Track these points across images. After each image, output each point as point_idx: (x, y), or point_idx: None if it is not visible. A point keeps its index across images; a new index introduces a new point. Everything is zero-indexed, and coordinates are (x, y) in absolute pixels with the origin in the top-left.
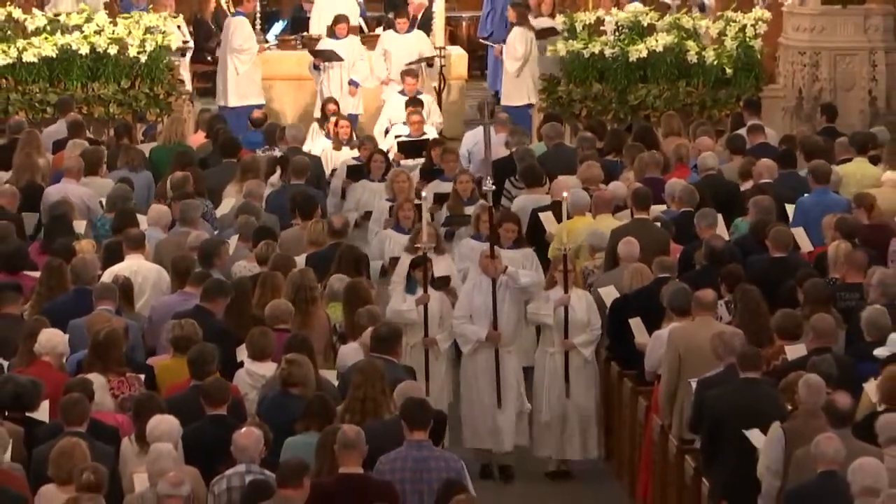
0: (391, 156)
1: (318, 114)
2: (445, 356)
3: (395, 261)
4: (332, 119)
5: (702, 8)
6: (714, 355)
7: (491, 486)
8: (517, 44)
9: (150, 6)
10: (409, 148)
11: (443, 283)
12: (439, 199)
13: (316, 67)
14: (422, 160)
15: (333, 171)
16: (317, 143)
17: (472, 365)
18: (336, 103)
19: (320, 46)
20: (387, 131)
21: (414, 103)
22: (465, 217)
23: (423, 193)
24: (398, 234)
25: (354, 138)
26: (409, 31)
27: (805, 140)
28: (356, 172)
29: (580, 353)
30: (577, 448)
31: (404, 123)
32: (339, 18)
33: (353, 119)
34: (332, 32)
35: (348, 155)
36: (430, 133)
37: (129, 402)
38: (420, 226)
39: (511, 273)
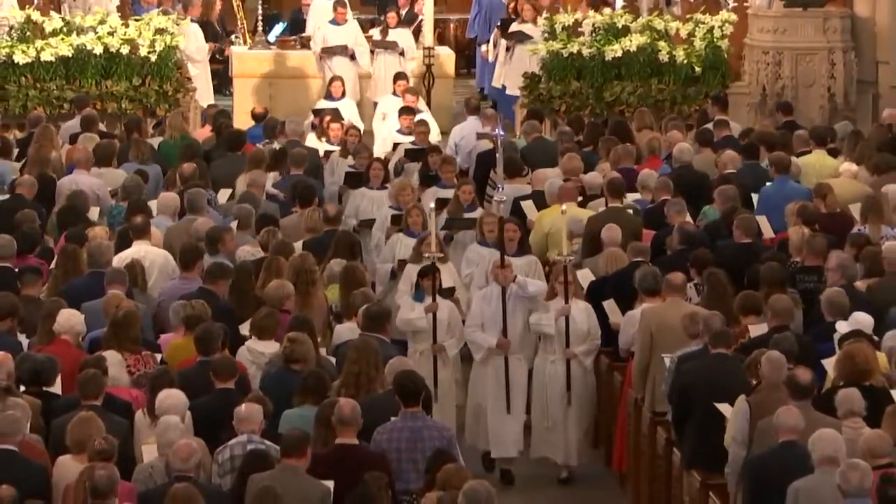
0: (396, 159)
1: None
2: (453, 363)
3: (403, 263)
4: (334, 126)
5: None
6: (686, 334)
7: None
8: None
9: (160, 8)
10: (417, 154)
11: (448, 294)
12: (439, 204)
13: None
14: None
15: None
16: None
17: (482, 372)
18: (336, 115)
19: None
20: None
21: (411, 112)
22: (464, 220)
23: (431, 205)
24: (409, 239)
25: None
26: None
27: (763, 134)
28: (354, 179)
29: (581, 363)
30: (574, 454)
31: (399, 132)
32: (339, 3)
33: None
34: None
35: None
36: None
37: (145, 378)
38: (424, 234)
39: (520, 282)
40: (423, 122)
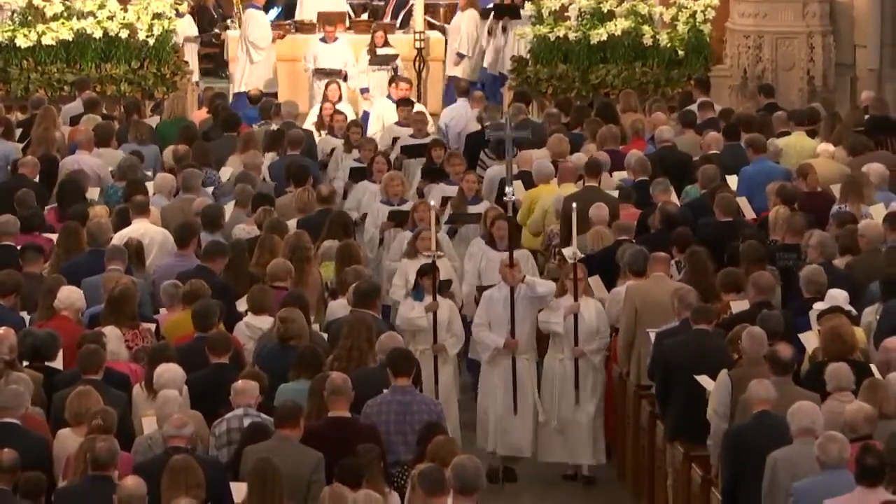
0: (394, 156)
1: (313, 119)
2: (453, 362)
3: None
4: (338, 118)
5: None
6: (673, 311)
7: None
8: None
9: None
10: (414, 150)
11: (445, 286)
12: (444, 202)
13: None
14: (423, 159)
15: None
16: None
17: (490, 372)
18: (339, 110)
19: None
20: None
21: (408, 103)
22: (469, 215)
23: (433, 202)
24: None
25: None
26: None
27: (741, 116)
28: (359, 174)
29: (589, 361)
30: (587, 453)
31: (398, 124)
32: (327, 21)
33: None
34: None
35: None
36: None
37: (143, 352)
38: (419, 229)
39: (529, 282)
40: (421, 113)
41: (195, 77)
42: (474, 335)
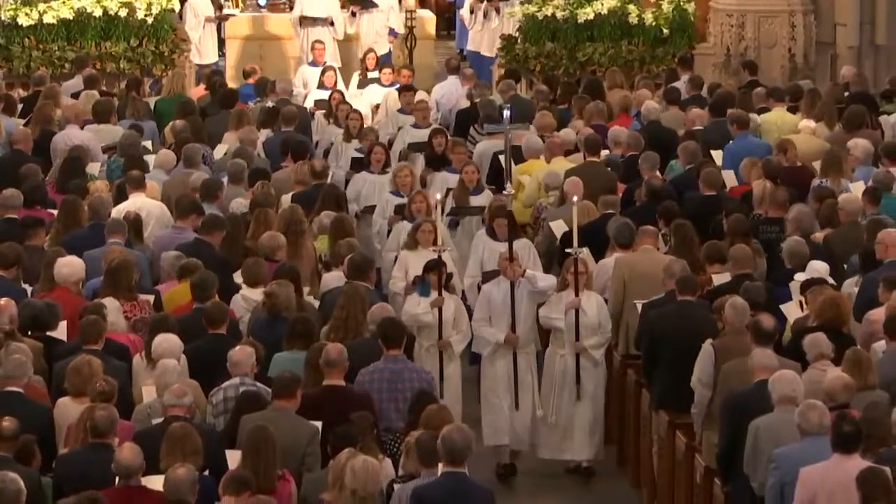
0: (399, 147)
1: (311, 103)
2: (459, 358)
3: None
4: (343, 108)
5: None
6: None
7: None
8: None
9: None
10: (421, 146)
11: (447, 280)
12: (446, 192)
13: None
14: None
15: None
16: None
17: (491, 367)
18: (355, 109)
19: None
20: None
21: (411, 90)
22: (471, 208)
23: (437, 196)
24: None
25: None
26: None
27: (721, 93)
28: (359, 164)
29: (591, 356)
30: (585, 449)
31: (400, 111)
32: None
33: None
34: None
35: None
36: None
37: (141, 323)
38: (419, 220)
39: (529, 277)
40: (423, 101)
41: (214, 57)
42: (474, 330)
